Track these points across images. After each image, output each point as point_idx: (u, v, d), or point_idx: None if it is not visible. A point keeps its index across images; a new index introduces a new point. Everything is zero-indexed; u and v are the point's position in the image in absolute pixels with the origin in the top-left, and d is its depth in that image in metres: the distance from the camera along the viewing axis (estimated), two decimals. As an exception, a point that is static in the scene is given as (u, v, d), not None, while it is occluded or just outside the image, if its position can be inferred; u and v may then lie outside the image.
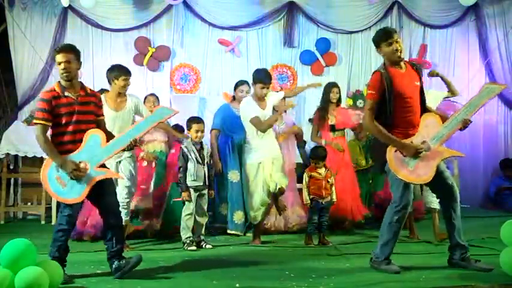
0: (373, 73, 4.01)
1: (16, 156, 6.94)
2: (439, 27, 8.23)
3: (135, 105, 5.03)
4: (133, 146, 4.02)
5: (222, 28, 7.93)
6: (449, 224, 4.00)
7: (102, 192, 3.88)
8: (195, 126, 5.07)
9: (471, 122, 3.90)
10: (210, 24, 7.89)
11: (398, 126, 3.92)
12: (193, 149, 5.02)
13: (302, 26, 8.05)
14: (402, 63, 4.00)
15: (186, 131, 5.52)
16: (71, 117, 3.84)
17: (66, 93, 3.85)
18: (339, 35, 8.09)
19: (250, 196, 5.20)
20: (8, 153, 6.77)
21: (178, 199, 5.38)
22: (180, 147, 5.12)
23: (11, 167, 7.03)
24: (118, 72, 4.94)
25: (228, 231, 5.65)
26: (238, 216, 5.65)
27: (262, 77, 5.15)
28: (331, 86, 6.10)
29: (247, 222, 5.60)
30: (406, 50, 8.05)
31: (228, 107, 5.92)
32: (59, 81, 3.90)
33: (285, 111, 5.98)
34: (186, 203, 5.00)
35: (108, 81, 5.01)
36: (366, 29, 8.03)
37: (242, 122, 5.25)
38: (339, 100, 6.11)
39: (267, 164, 5.11)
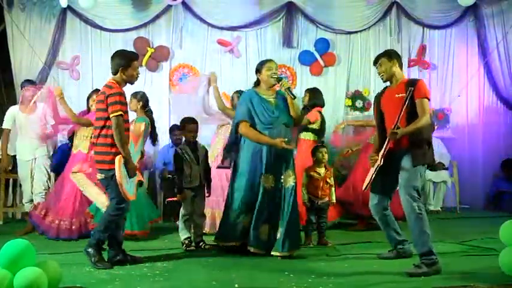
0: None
1: (15, 156, 6.92)
2: (438, 27, 8.22)
3: None
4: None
5: (221, 28, 7.90)
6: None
7: None
8: (190, 127, 5.03)
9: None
10: (209, 24, 7.87)
11: None
12: (187, 150, 4.98)
13: (301, 27, 8.02)
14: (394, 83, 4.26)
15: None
16: (127, 115, 4.15)
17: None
18: (338, 35, 8.06)
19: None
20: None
21: (172, 199, 5.38)
22: (175, 149, 5.09)
23: (10, 168, 7.01)
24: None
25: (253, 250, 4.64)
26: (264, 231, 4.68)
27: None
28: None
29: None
30: (405, 50, 8.06)
31: (255, 94, 4.79)
32: (116, 81, 4.10)
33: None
34: (184, 204, 4.98)
35: None
36: (365, 29, 7.99)
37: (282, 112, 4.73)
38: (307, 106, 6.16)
39: None
